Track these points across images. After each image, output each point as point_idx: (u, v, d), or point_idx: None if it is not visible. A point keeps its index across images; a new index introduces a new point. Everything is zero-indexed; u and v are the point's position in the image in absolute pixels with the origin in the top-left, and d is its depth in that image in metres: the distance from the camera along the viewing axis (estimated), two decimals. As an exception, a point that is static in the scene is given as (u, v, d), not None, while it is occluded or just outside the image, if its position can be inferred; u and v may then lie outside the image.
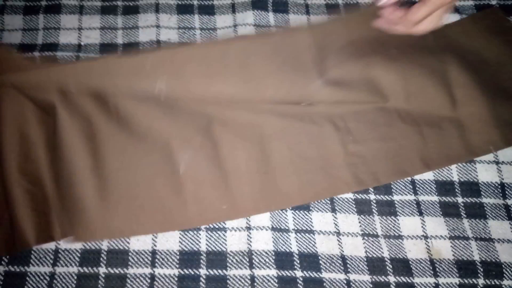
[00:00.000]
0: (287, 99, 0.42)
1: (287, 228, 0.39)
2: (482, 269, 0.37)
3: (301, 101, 0.42)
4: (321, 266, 0.37)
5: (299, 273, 0.37)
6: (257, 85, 0.42)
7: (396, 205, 0.40)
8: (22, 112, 0.41)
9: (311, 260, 0.37)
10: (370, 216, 0.39)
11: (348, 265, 0.37)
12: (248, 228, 0.38)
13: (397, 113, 0.42)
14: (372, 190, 0.40)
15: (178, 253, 0.38)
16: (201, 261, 0.37)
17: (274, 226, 0.39)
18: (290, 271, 0.37)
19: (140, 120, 0.40)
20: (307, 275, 0.37)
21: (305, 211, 0.39)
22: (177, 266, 0.37)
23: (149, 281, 0.37)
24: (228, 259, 0.37)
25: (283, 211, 0.39)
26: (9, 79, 0.40)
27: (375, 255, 0.38)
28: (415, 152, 0.41)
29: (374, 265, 0.38)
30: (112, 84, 0.40)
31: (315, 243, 0.38)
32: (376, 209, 0.40)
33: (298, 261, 0.37)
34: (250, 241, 0.38)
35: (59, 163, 0.38)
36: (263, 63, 0.42)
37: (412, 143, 0.41)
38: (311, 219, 0.39)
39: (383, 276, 0.37)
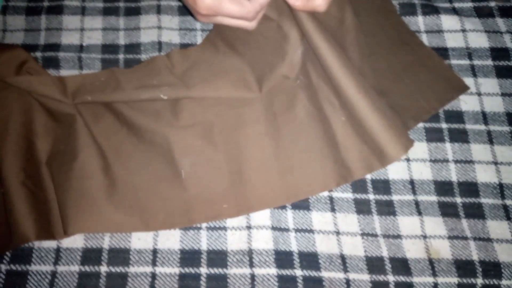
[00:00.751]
0: (280, 77, 0.42)
1: (287, 227, 0.39)
2: (480, 269, 0.38)
3: (294, 75, 0.42)
4: (320, 265, 0.38)
5: (299, 272, 0.37)
6: (250, 82, 0.43)
7: (395, 205, 0.40)
8: (29, 113, 0.42)
9: (310, 259, 0.38)
10: (369, 215, 0.40)
11: (347, 264, 0.38)
12: (249, 227, 0.39)
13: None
14: (371, 190, 0.41)
15: (178, 252, 0.38)
16: (202, 259, 0.38)
17: (274, 226, 0.39)
18: (290, 270, 0.37)
19: (146, 128, 0.41)
20: (307, 274, 0.37)
21: (305, 211, 0.40)
22: (178, 264, 0.37)
23: (150, 279, 0.37)
24: (228, 258, 0.38)
25: (283, 210, 0.39)
26: (18, 82, 0.41)
27: (374, 255, 0.38)
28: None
29: (373, 264, 0.38)
30: (119, 96, 0.42)
31: (314, 242, 0.38)
32: (375, 209, 0.40)
33: (298, 260, 0.38)
34: (250, 240, 0.38)
35: (69, 163, 0.39)
36: (253, 57, 0.43)
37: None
38: (311, 218, 0.39)
39: (382, 276, 0.37)
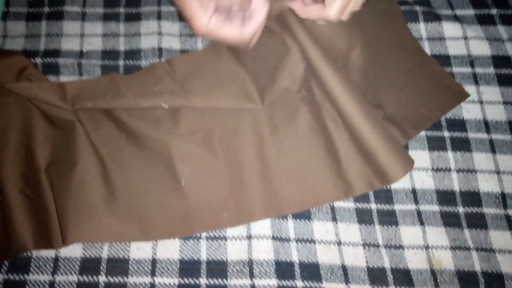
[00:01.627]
0: (281, 89, 0.42)
1: (287, 237, 0.38)
2: (483, 280, 0.37)
3: (296, 88, 0.42)
4: (322, 276, 0.37)
5: (299, 283, 0.37)
6: (251, 93, 0.42)
7: (397, 214, 0.40)
8: (29, 120, 0.41)
9: (312, 270, 0.37)
10: (371, 225, 0.39)
11: (349, 275, 0.37)
12: (249, 237, 0.38)
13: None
14: (373, 199, 0.40)
15: (178, 262, 0.37)
16: (201, 270, 0.37)
17: (275, 235, 0.38)
18: (290, 281, 0.37)
19: (146, 135, 0.41)
20: (308, 285, 0.37)
21: (306, 220, 0.39)
22: (177, 275, 0.37)
23: (149, 290, 0.37)
24: (228, 268, 0.37)
25: (284, 219, 0.39)
26: (18, 88, 0.41)
27: (376, 265, 0.38)
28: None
29: (375, 275, 0.37)
30: (119, 103, 0.42)
31: (316, 252, 0.38)
32: (377, 219, 0.39)
33: (299, 271, 0.37)
34: (251, 250, 0.38)
35: (68, 171, 0.39)
36: (255, 68, 0.43)
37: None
38: (312, 228, 0.39)
39: (384, 286, 0.37)
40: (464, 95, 0.44)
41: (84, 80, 0.44)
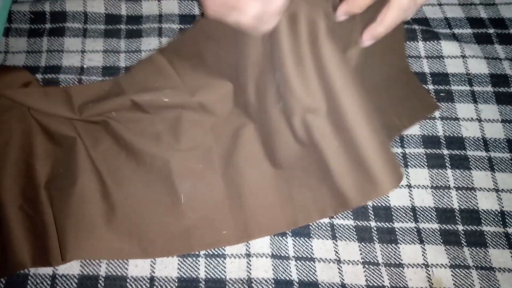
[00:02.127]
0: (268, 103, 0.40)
1: (287, 255, 0.38)
2: (483, 299, 0.37)
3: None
4: (321, 295, 0.37)
5: (299, 302, 0.37)
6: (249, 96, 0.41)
7: (396, 232, 0.40)
8: (29, 136, 0.41)
9: (311, 289, 0.37)
10: (371, 243, 0.39)
11: (348, 294, 0.37)
12: (248, 255, 0.38)
13: None
14: (373, 217, 0.40)
15: (176, 280, 0.37)
16: (200, 288, 0.37)
17: (274, 253, 0.38)
18: (290, 300, 0.37)
19: (146, 152, 0.40)
20: (307, 303, 0.37)
21: (305, 238, 0.39)
22: (176, 293, 0.37)
23: (146, 308, 0.36)
24: (227, 286, 0.37)
25: (283, 237, 0.39)
26: (21, 94, 0.41)
27: (375, 284, 0.38)
28: None
29: (375, 294, 0.37)
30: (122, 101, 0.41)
31: (315, 271, 0.38)
32: (376, 237, 0.39)
33: (298, 290, 0.37)
34: (250, 269, 0.38)
35: (68, 187, 0.39)
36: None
37: None
38: (312, 246, 0.39)
39: (383, 306, 0.37)
40: (434, 107, 0.45)
41: (88, 84, 0.43)
